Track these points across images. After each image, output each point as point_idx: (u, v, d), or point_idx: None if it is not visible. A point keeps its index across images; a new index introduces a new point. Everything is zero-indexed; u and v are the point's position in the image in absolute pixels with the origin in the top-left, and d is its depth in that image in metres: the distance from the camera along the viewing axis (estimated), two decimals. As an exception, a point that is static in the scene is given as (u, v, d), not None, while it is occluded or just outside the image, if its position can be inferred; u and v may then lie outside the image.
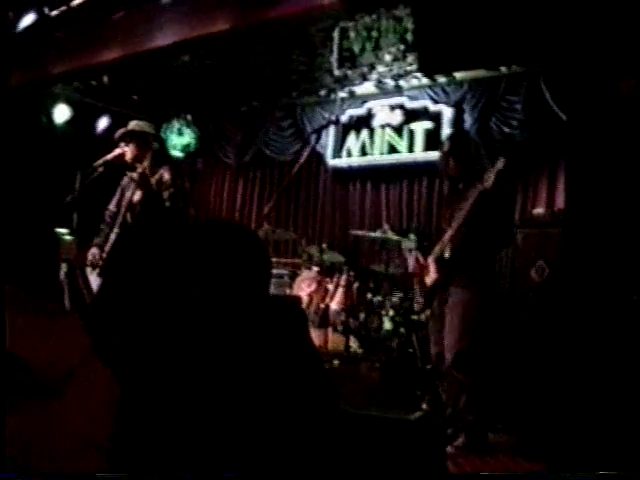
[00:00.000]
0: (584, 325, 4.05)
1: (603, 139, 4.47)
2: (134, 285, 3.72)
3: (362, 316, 5.56)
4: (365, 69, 6.52)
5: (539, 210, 5.47)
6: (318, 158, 7.31)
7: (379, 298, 5.69)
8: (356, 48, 6.43)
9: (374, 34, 6.32)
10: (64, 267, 4.40)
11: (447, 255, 3.68)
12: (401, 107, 6.80)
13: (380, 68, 6.43)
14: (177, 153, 8.03)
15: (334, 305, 5.72)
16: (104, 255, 4.17)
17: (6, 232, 1.26)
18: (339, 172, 7.36)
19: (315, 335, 4.99)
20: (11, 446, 1.06)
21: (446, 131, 6.33)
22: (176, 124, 8.11)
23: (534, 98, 5.85)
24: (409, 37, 6.03)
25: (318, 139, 5.40)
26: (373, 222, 6.92)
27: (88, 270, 4.32)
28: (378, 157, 6.93)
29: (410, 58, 6.13)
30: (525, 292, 4.63)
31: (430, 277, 3.79)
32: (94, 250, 4.24)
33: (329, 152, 7.25)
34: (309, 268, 6.16)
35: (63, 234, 4.58)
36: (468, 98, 6.39)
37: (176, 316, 1.43)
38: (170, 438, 1.28)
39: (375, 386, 4.53)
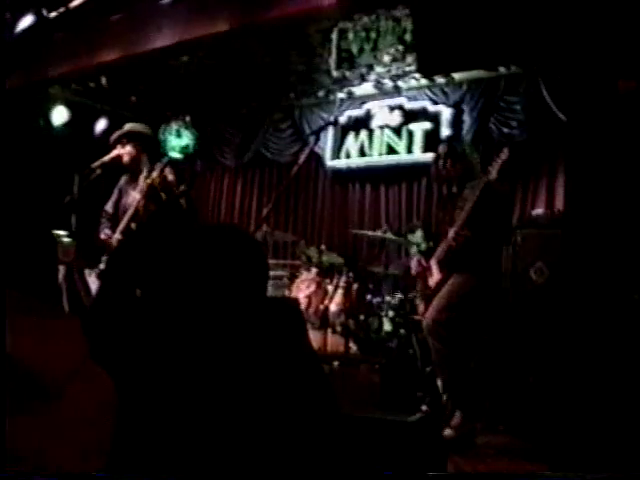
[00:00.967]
0: (585, 326, 4.04)
1: (602, 139, 4.46)
2: (133, 288, 3.71)
3: (362, 317, 5.56)
4: (364, 70, 6.52)
5: (538, 211, 5.47)
6: (317, 159, 7.30)
7: (378, 299, 5.68)
8: (354, 49, 6.44)
9: (373, 35, 6.33)
10: (62, 269, 4.39)
11: (450, 256, 3.72)
12: (400, 108, 6.79)
13: (379, 69, 6.44)
14: (175, 155, 8.01)
15: (333, 306, 5.70)
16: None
17: (4, 234, 1.25)
18: (338, 173, 7.35)
19: (314, 336, 4.98)
20: (11, 447, 1.05)
21: (445, 132, 6.34)
22: (174, 126, 8.09)
23: (533, 98, 5.85)
24: (408, 38, 6.04)
25: (317, 140, 5.39)
26: (372, 223, 6.92)
27: (87, 272, 4.31)
28: (377, 158, 6.93)
29: (409, 59, 6.13)
30: (525, 293, 4.63)
31: (433, 279, 3.84)
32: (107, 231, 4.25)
33: (328, 153, 7.24)
34: (308, 269, 6.14)
35: (61, 236, 4.57)
36: (467, 99, 6.40)
37: (174, 319, 1.43)
38: (170, 440, 1.28)
39: (375, 388, 4.51)
